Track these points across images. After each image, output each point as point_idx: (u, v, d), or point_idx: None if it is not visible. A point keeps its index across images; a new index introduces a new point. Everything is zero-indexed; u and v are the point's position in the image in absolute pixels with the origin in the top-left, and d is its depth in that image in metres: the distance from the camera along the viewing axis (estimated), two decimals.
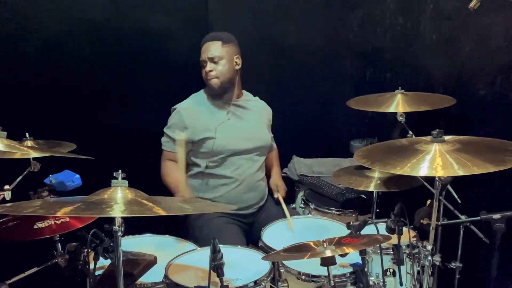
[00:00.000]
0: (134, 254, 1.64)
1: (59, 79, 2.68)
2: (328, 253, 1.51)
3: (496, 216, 1.66)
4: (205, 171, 2.40)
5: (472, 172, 1.49)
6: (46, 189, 2.03)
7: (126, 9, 2.79)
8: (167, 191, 2.42)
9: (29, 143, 2.18)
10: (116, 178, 1.44)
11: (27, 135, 2.19)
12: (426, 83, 2.64)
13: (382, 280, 1.83)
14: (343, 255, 1.65)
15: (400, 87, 2.33)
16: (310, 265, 1.76)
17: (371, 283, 1.82)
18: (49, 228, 1.94)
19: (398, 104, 2.23)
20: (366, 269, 1.75)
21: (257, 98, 2.62)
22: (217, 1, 3.07)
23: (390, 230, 1.82)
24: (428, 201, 1.80)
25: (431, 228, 1.77)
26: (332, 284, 1.59)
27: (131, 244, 2.05)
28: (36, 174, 2.02)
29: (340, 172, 2.44)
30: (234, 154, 2.39)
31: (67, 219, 1.98)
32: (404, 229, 1.84)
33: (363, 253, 1.71)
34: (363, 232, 1.80)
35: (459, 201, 1.94)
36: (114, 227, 1.37)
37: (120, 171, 1.46)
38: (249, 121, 2.47)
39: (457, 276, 2.00)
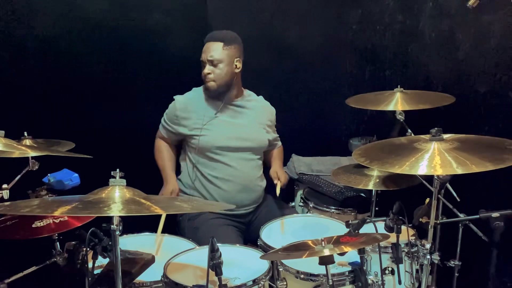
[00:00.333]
0: (132, 253, 1.64)
1: (57, 78, 2.67)
2: (326, 252, 1.51)
3: (495, 214, 1.66)
4: (197, 168, 2.40)
5: (471, 170, 1.48)
6: (44, 188, 2.03)
7: (124, 8, 2.78)
8: None
9: (28, 142, 2.17)
10: (114, 177, 1.44)
11: (25, 134, 2.18)
12: (425, 82, 2.64)
13: (380, 279, 1.83)
14: (341, 254, 1.64)
15: (399, 85, 2.33)
16: (309, 264, 1.76)
17: (369, 281, 1.81)
18: (48, 227, 1.94)
19: (397, 102, 2.23)
20: (364, 268, 1.75)
21: (260, 97, 2.60)
22: None
23: (389, 228, 1.82)
24: (427, 200, 1.79)
25: (430, 227, 1.77)
26: (331, 282, 1.59)
27: (130, 243, 2.05)
28: (34, 173, 2.01)
29: (339, 171, 2.44)
30: (223, 152, 2.37)
31: (66, 218, 1.98)
32: (403, 227, 1.84)
33: (361, 251, 1.71)
34: (362, 230, 1.80)
35: (458, 200, 1.94)
36: (112, 226, 1.37)
37: (118, 170, 1.46)
38: (244, 121, 2.45)
39: (456, 274, 2.00)
